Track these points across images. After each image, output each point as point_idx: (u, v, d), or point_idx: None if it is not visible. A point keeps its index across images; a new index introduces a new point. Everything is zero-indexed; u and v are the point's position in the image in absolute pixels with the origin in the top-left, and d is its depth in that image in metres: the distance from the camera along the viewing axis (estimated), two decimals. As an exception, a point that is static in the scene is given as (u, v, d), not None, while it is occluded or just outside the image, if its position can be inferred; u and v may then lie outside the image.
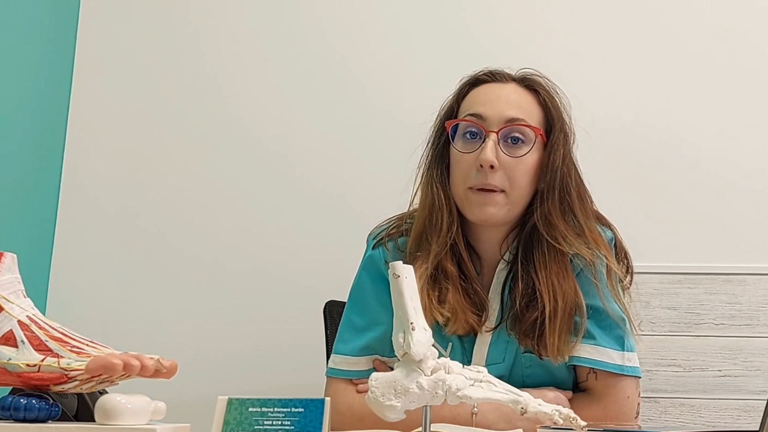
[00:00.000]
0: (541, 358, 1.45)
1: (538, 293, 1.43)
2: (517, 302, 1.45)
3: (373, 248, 1.57)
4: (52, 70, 2.31)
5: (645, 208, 2.15)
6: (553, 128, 1.50)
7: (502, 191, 1.45)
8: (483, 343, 1.48)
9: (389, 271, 0.96)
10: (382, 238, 1.57)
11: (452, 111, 1.54)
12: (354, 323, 1.53)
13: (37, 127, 2.25)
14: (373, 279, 1.54)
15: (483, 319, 1.47)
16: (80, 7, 2.40)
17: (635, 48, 2.24)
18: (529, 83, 1.52)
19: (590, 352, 1.45)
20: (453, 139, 1.49)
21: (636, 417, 1.47)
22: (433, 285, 1.46)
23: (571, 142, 1.53)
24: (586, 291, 1.47)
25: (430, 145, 1.56)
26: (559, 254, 1.45)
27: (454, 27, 2.30)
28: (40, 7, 2.25)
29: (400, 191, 1.59)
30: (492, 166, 1.43)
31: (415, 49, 2.30)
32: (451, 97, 1.56)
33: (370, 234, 1.61)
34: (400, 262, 0.96)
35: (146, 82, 2.37)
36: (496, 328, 1.48)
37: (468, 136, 1.47)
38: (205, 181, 2.31)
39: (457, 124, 1.50)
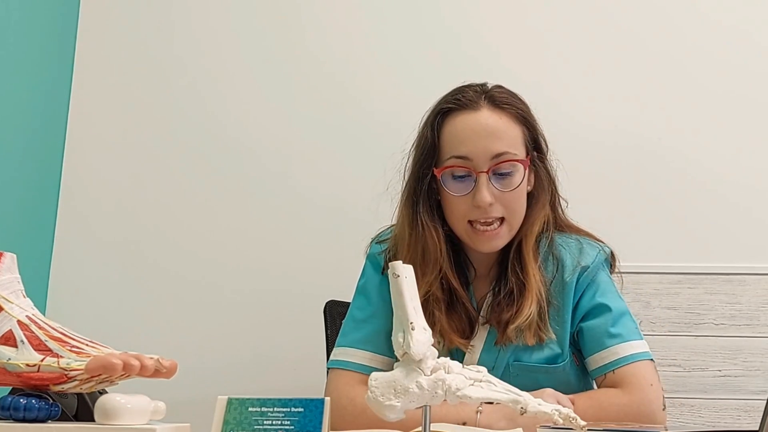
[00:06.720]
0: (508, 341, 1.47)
1: (524, 292, 1.47)
2: (500, 297, 1.49)
3: (378, 254, 1.59)
4: (52, 70, 2.31)
5: (645, 209, 2.15)
6: (536, 141, 1.54)
7: (502, 218, 1.48)
8: (473, 352, 1.49)
9: (389, 270, 0.96)
10: (387, 248, 1.59)
11: (433, 146, 1.50)
12: (354, 316, 1.56)
13: (37, 127, 2.25)
14: (376, 275, 1.57)
15: (472, 335, 1.50)
16: (80, 7, 2.40)
17: (628, 49, 2.25)
18: (499, 102, 1.50)
19: (617, 352, 1.45)
20: (442, 181, 1.49)
21: (663, 409, 1.43)
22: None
23: (545, 147, 1.56)
24: (588, 293, 1.50)
25: (411, 180, 1.54)
26: (539, 254, 1.51)
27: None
28: (40, 7, 2.24)
29: (395, 193, 1.62)
30: (490, 204, 1.45)
31: (406, 51, 2.31)
32: (426, 129, 1.53)
33: (373, 239, 1.63)
34: (400, 261, 0.96)
35: (146, 82, 2.37)
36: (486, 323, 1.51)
37: (457, 175, 1.47)
38: (205, 181, 2.30)
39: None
